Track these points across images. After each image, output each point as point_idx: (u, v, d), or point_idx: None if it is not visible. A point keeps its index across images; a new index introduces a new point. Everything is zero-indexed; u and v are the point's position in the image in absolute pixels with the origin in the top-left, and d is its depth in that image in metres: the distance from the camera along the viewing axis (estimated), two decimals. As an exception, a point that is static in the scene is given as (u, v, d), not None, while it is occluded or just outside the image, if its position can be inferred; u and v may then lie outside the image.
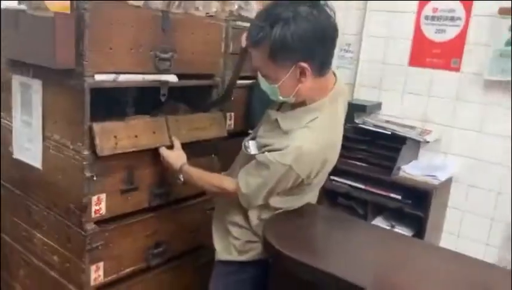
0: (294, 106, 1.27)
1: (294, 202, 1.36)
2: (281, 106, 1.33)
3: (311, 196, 1.42)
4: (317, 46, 1.14)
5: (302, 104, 1.25)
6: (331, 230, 1.51)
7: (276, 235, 1.25)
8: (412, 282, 1.11)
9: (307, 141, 1.18)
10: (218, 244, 1.43)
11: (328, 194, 2.24)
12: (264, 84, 1.23)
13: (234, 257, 1.39)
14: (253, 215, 1.34)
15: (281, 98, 1.23)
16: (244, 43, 1.37)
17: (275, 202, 1.32)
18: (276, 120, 1.27)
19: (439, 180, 2.06)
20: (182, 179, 1.41)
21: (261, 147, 1.27)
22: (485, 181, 2.19)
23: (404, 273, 1.16)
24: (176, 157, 1.43)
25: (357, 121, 2.22)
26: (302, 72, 1.16)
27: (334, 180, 2.21)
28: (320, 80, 1.21)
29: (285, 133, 1.23)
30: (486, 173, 2.18)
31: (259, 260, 1.35)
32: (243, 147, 1.34)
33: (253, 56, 1.20)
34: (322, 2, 1.16)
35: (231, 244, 1.39)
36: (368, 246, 1.36)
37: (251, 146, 1.30)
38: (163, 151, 1.44)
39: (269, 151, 1.21)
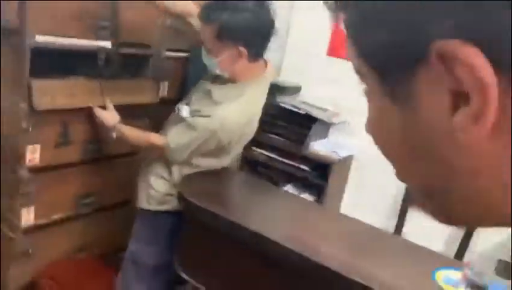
0: (226, 81, 1.48)
1: (213, 163, 1.56)
2: (214, 79, 1.52)
3: (229, 161, 1.62)
4: (255, 36, 1.38)
5: (234, 80, 1.46)
6: (244, 191, 1.74)
7: (191, 188, 1.44)
8: (314, 238, 1.35)
9: (232, 112, 1.40)
10: (140, 193, 1.59)
11: (249, 163, 2.48)
12: (205, 57, 1.44)
13: (153, 206, 1.56)
14: (175, 170, 1.52)
15: (217, 71, 1.44)
16: None
17: (197, 160, 1.51)
18: (210, 91, 1.47)
19: (339, 157, 2.39)
20: (115, 136, 1.54)
21: (192, 112, 1.47)
22: (379, 159, 2.52)
23: (309, 231, 1.40)
24: (110, 116, 1.56)
25: (278, 100, 2.48)
26: (239, 55, 1.38)
27: (254, 150, 2.47)
28: (253, 64, 1.43)
29: (215, 103, 1.43)
30: (380, 153, 2.56)
31: (176, 211, 1.52)
32: (176, 109, 1.53)
33: (202, 31, 1.40)
34: (268, 1, 1.39)
35: (151, 196, 1.55)
36: (278, 208, 1.58)
37: (183, 110, 1.49)
38: (97, 110, 1.56)
39: (199, 116, 1.42)
